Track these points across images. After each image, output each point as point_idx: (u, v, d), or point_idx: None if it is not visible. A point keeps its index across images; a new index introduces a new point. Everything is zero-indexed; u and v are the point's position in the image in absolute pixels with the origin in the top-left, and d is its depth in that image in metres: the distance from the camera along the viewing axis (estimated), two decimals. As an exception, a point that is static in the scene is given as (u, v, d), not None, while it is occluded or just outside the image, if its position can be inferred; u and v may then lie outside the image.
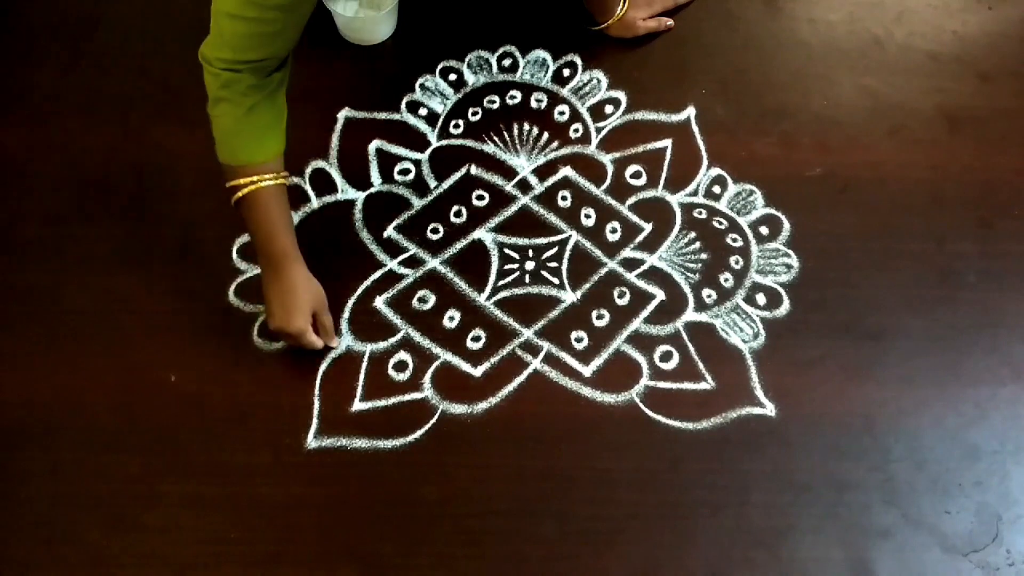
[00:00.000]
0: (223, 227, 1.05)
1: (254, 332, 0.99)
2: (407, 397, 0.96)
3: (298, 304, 0.93)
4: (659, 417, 0.95)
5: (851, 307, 1.01)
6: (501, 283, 1.02)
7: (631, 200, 1.08)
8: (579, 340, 0.99)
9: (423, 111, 1.13)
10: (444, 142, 1.11)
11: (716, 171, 1.09)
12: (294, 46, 0.89)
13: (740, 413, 0.95)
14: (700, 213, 1.07)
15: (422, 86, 1.15)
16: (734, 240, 1.05)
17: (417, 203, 1.07)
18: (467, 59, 1.17)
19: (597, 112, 1.13)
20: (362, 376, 0.97)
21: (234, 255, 1.03)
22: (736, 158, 1.10)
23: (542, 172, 1.09)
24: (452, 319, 1.00)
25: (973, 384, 0.97)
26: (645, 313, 1.00)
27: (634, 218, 1.06)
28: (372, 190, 1.08)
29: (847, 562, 0.88)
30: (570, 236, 1.05)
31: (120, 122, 1.13)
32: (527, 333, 0.99)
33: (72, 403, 0.95)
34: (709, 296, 1.01)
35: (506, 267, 1.03)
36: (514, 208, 1.07)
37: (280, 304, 0.92)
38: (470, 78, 1.16)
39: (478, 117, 1.13)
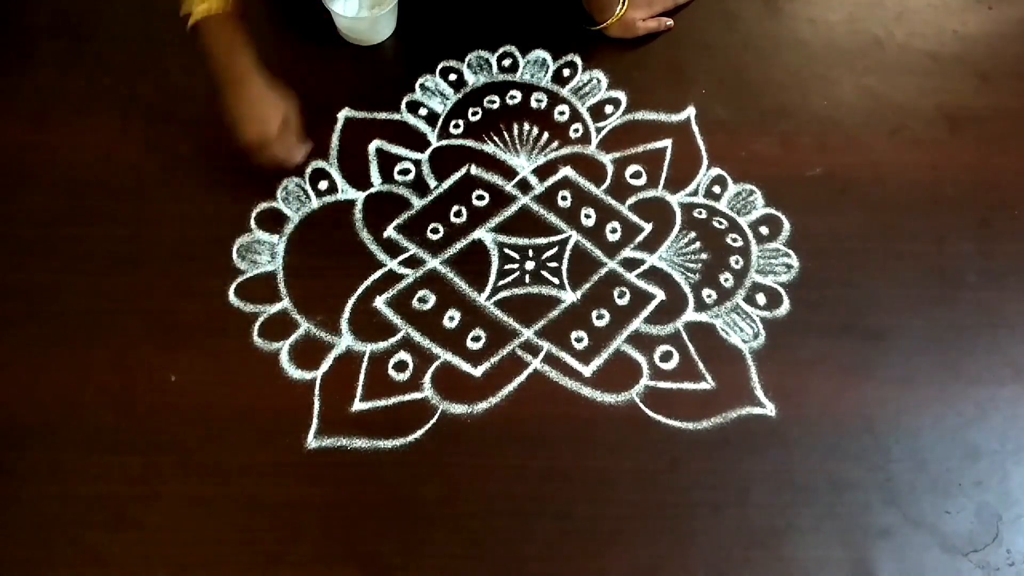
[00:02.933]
0: (223, 227, 1.05)
1: (254, 332, 0.99)
2: (407, 397, 0.96)
3: (268, 108, 0.95)
4: (659, 417, 0.95)
5: (851, 307, 1.01)
6: (501, 283, 1.02)
7: (631, 200, 1.08)
8: (579, 340, 0.99)
9: (423, 111, 1.13)
10: (444, 142, 1.11)
11: (716, 171, 1.09)
12: None
13: (740, 413, 0.95)
14: (700, 213, 1.07)
15: (422, 86, 1.15)
16: (734, 240, 1.05)
17: (417, 203, 1.07)
18: (467, 59, 1.17)
19: (597, 112, 1.13)
20: (362, 376, 0.97)
21: (234, 255, 1.03)
22: (736, 158, 1.10)
23: (542, 172, 1.09)
24: (452, 319, 1.00)
25: (973, 384, 0.97)
26: (645, 313, 1.00)
27: (634, 218, 1.06)
28: (372, 190, 1.08)
29: (847, 562, 0.88)
30: (570, 236, 1.05)
31: (120, 122, 1.13)
32: (527, 333, 0.99)
33: (72, 403, 0.95)
34: (709, 296, 1.01)
35: (506, 267, 1.03)
36: (514, 208, 1.07)
37: (249, 110, 0.94)
38: (470, 78, 1.16)
39: (478, 117, 1.13)
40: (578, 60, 1.17)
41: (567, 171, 1.09)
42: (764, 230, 1.06)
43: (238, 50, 0.95)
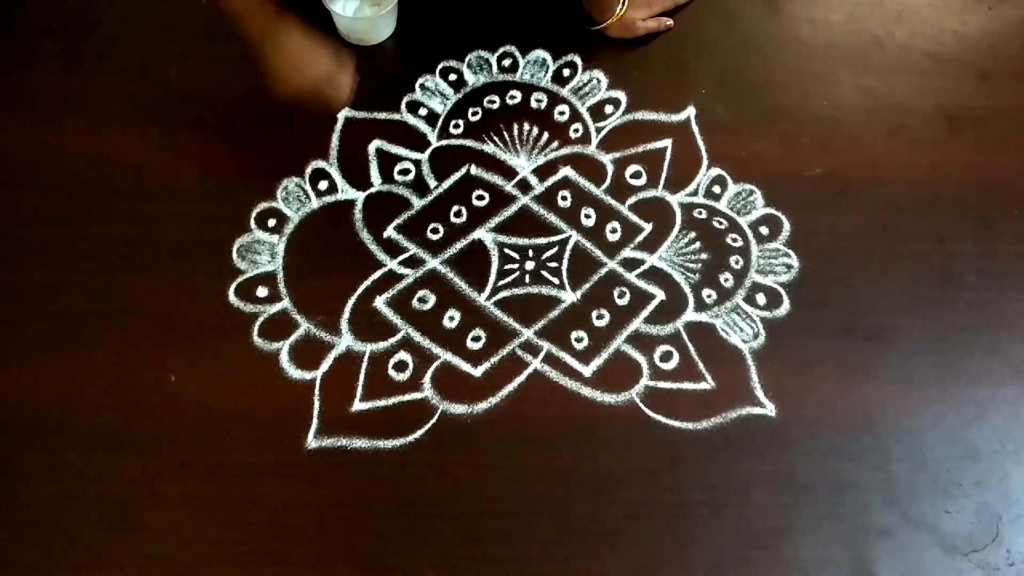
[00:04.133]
0: (223, 227, 1.05)
1: (254, 332, 0.99)
2: (407, 397, 0.96)
3: (312, 53, 0.92)
4: (659, 417, 0.95)
5: (851, 307, 1.01)
6: (501, 283, 1.02)
7: (631, 200, 1.08)
8: (579, 340, 0.99)
9: (423, 111, 1.13)
10: (444, 142, 1.11)
11: (716, 171, 1.09)
12: None
13: (740, 413, 0.95)
14: (700, 213, 1.07)
15: (422, 86, 1.15)
16: (734, 240, 1.05)
17: (417, 203, 1.07)
18: (467, 59, 1.17)
19: (597, 112, 1.13)
20: (362, 376, 0.97)
21: (234, 255, 1.03)
22: (736, 158, 1.10)
23: (542, 172, 1.09)
24: (452, 319, 1.00)
25: (973, 384, 0.97)
26: (645, 313, 1.00)
27: (634, 218, 1.06)
28: (372, 190, 1.08)
29: (847, 562, 0.88)
30: (570, 236, 1.05)
31: (120, 122, 1.12)
32: (527, 333, 0.99)
33: (72, 403, 0.95)
34: (709, 296, 1.01)
35: (506, 267, 1.03)
36: (514, 208, 1.07)
37: (291, 56, 0.91)
38: (470, 78, 1.16)
39: (478, 117, 1.13)
40: (578, 60, 1.17)
41: (567, 171, 1.09)
42: (764, 230, 1.06)
43: (266, 5, 0.91)
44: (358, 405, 0.95)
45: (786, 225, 1.06)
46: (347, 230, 1.05)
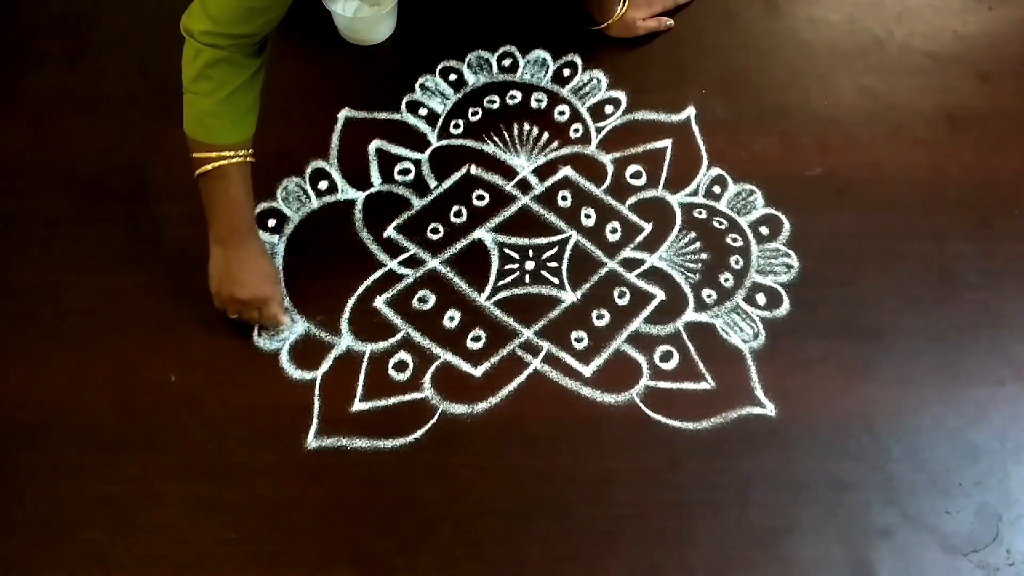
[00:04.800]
0: (223, 227, 1.04)
1: (254, 332, 0.99)
2: (407, 397, 0.96)
3: (269, 272, 0.94)
4: (659, 417, 0.95)
5: (851, 307, 1.01)
6: (501, 283, 1.02)
7: (631, 200, 1.08)
8: (579, 340, 0.99)
9: (423, 111, 1.13)
10: (444, 142, 1.11)
11: (716, 171, 1.09)
12: (276, 24, 0.89)
13: (740, 413, 0.95)
14: (700, 213, 1.07)
15: (422, 86, 1.15)
16: (734, 240, 1.05)
17: (417, 203, 1.07)
18: (467, 59, 1.17)
19: (597, 112, 1.13)
20: (362, 376, 0.97)
21: (234, 255, 1.03)
22: (736, 158, 1.10)
23: (542, 172, 1.09)
24: (452, 319, 1.00)
25: (973, 384, 0.97)
26: (645, 313, 1.00)
27: (634, 218, 1.06)
28: (372, 190, 1.08)
29: (847, 562, 0.88)
30: (570, 236, 1.05)
31: (120, 122, 1.13)
32: (527, 333, 0.99)
33: (72, 403, 0.95)
34: (709, 296, 1.01)
35: (506, 267, 1.03)
36: (514, 208, 1.07)
37: (250, 272, 0.93)
38: (470, 78, 1.16)
39: (478, 117, 1.13)
40: (578, 60, 1.17)
41: (567, 171, 1.09)
42: (764, 230, 1.06)
43: (247, 206, 0.92)
44: (358, 405, 0.95)
45: (786, 225, 1.06)
46: (347, 230, 1.05)
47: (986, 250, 1.05)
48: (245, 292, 0.93)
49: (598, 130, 1.12)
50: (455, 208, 1.07)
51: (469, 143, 1.11)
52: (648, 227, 1.06)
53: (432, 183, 1.08)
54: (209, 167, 0.89)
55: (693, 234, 1.05)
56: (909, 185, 1.09)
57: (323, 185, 1.08)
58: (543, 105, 1.14)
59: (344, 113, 1.12)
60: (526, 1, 1.22)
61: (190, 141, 0.90)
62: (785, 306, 1.01)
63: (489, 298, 1.01)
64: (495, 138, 1.11)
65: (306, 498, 0.91)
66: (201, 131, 0.89)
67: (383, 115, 1.13)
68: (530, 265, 1.03)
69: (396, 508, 0.90)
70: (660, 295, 1.01)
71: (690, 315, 1.00)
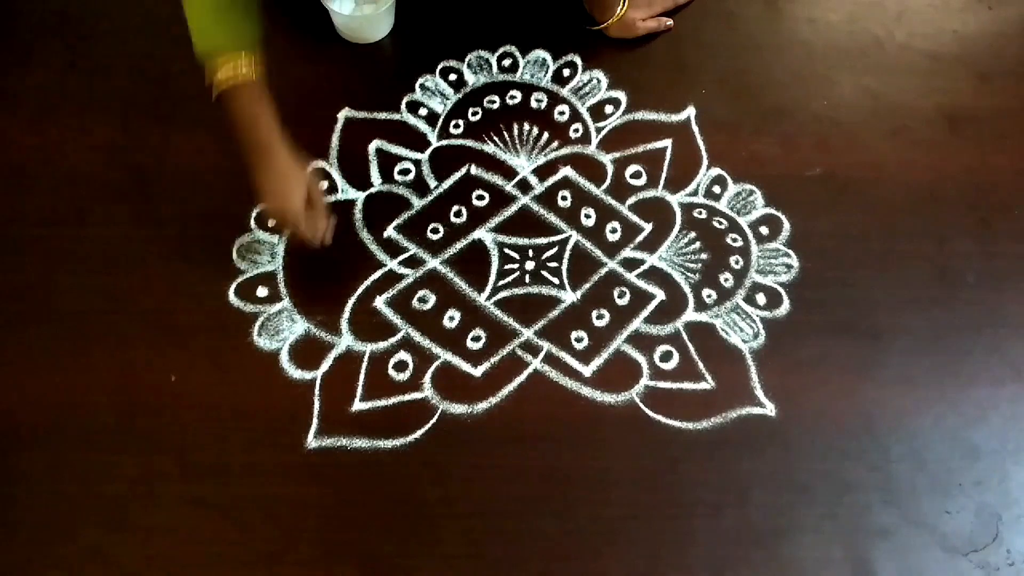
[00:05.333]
0: (223, 227, 1.05)
1: (254, 332, 0.99)
2: (407, 397, 0.96)
3: (294, 184, 0.94)
4: (659, 417, 0.95)
5: (851, 307, 1.01)
6: (501, 283, 1.02)
7: (631, 200, 1.08)
8: (579, 340, 0.99)
9: (423, 111, 1.13)
10: (444, 142, 1.11)
11: (716, 171, 1.09)
12: None
13: (740, 413, 0.95)
14: (700, 213, 1.07)
15: (422, 86, 1.15)
16: (734, 240, 1.05)
17: (417, 203, 1.07)
18: (467, 59, 1.17)
19: (597, 112, 1.13)
20: (362, 376, 0.97)
21: (234, 255, 1.03)
22: (736, 158, 1.10)
23: (542, 172, 1.09)
24: (452, 319, 1.00)
25: (973, 384, 0.97)
26: (645, 313, 1.00)
27: (634, 218, 1.06)
28: (372, 190, 1.08)
29: (847, 562, 0.88)
30: (570, 236, 1.05)
31: (120, 122, 1.12)
32: (527, 333, 0.99)
33: (72, 403, 0.95)
34: (709, 296, 1.01)
35: (506, 267, 1.03)
36: (514, 208, 1.07)
37: (276, 184, 0.94)
38: (470, 78, 1.16)
39: (478, 117, 1.13)
40: (578, 60, 1.17)
41: (567, 171, 1.09)
42: (764, 230, 1.06)
43: (264, 121, 0.93)
44: (358, 405, 0.95)
45: (786, 225, 1.06)
46: (347, 230, 1.05)
47: (986, 250, 1.05)
48: (275, 203, 0.95)
49: (598, 130, 1.12)
50: (455, 208, 1.07)
51: (469, 143, 1.11)
52: (648, 227, 1.06)
53: (432, 183, 1.08)
54: (219, 89, 0.90)
55: (693, 234, 1.05)
56: (909, 185, 1.09)
57: (323, 185, 1.08)
58: (543, 105, 1.14)
59: (344, 113, 1.12)
60: (526, 1, 1.22)
61: (202, 62, 0.91)
62: (785, 306, 1.01)
63: (489, 298, 1.01)
64: (495, 138, 1.11)
65: (306, 498, 0.91)
66: (207, 41, 0.90)
67: (383, 115, 1.13)
68: (530, 265, 1.03)
69: (396, 508, 0.90)
70: (660, 295, 1.01)
71: (690, 315, 1.00)
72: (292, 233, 0.99)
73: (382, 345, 0.98)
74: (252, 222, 1.05)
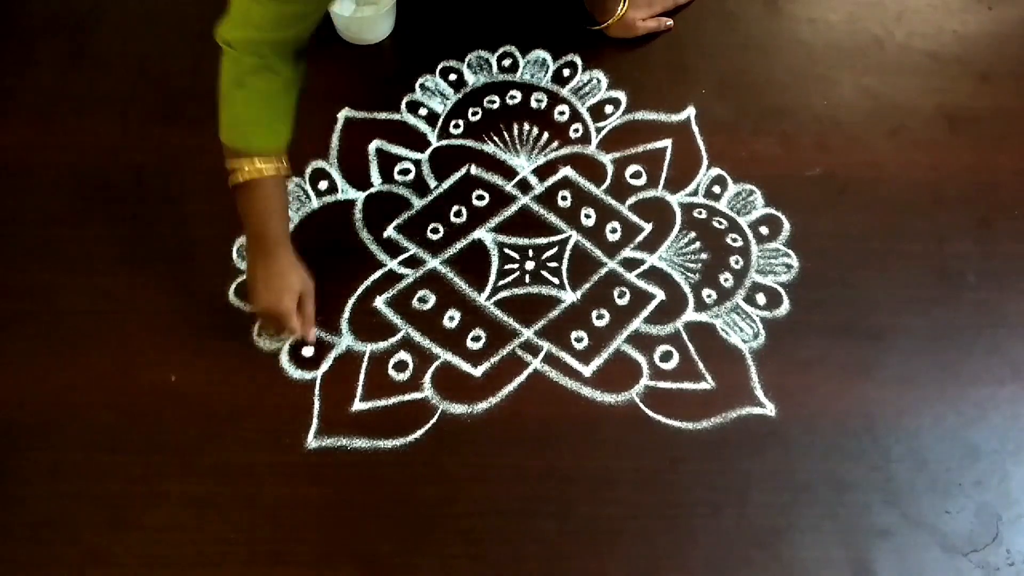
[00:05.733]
0: (223, 227, 1.04)
1: (254, 332, 0.99)
2: (407, 397, 0.96)
3: (287, 285, 0.93)
4: (659, 417, 0.95)
5: (851, 307, 1.01)
6: (501, 283, 1.02)
7: (631, 200, 1.08)
8: (579, 340, 0.99)
9: (423, 111, 1.13)
10: (444, 142, 1.11)
11: (716, 171, 1.09)
12: (314, 28, 0.90)
13: (740, 413, 0.95)
14: (700, 213, 1.07)
15: (422, 86, 1.15)
16: (734, 240, 1.05)
17: (417, 203, 1.07)
18: (467, 59, 1.17)
19: (597, 112, 1.13)
20: (362, 376, 0.97)
21: (234, 255, 1.03)
22: (736, 158, 1.10)
23: (542, 172, 1.09)
24: (452, 319, 1.00)
25: (973, 384, 0.97)
26: (645, 313, 1.00)
27: (634, 218, 1.06)
28: (372, 190, 1.08)
29: (847, 562, 0.88)
30: (570, 236, 1.05)
31: (120, 122, 1.13)
32: (527, 333, 0.99)
33: (72, 403, 0.95)
34: (709, 296, 1.01)
35: (506, 267, 1.03)
36: (514, 208, 1.07)
37: (268, 285, 0.93)
38: (470, 78, 1.16)
39: (478, 117, 1.13)
40: (578, 60, 1.17)
41: (567, 171, 1.09)
42: (764, 230, 1.06)
43: (277, 218, 0.93)
44: (358, 405, 0.95)
45: (786, 225, 1.06)
46: (347, 230, 1.05)
47: (986, 250, 1.05)
48: (258, 304, 0.94)
49: (598, 130, 1.12)
50: (455, 208, 1.07)
51: (469, 143, 1.11)
52: (648, 227, 1.06)
53: (432, 183, 1.08)
54: (241, 179, 0.89)
55: (693, 234, 1.05)
56: (909, 185, 1.09)
57: (323, 185, 1.08)
58: (543, 105, 1.14)
59: (344, 113, 1.12)
60: (526, 1, 1.22)
61: (225, 150, 0.90)
62: (785, 306, 1.01)
63: (489, 298, 1.01)
64: (495, 138, 1.11)
65: (306, 498, 0.91)
66: (238, 138, 0.89)
67: (383, 115, 1.13)
68: (530, 265, 1.03)
69: (396, 508, 0.90)
70: (660, 295, 1.01)
71: (690, 315, 1.00)
72: (273, 328, 0.97)
73: (382, 345, 0.98)
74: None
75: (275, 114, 0.89)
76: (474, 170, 1.09)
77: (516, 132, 1.12)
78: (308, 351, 0.97)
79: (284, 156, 0.91)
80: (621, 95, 1.14)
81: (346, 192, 1.08)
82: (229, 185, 0.90)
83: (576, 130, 1.12)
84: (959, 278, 1.03)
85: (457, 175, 1.09)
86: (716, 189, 1.08)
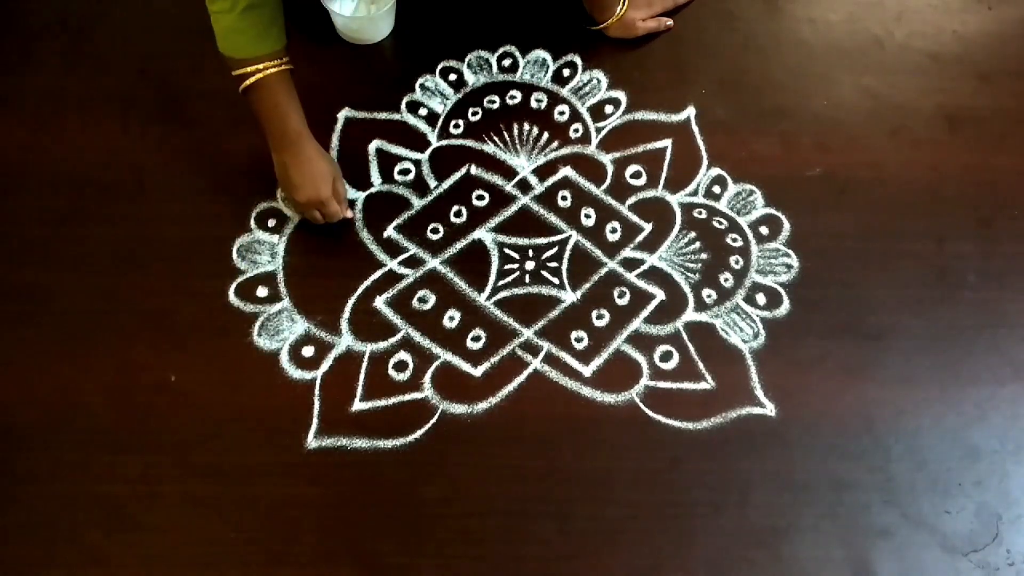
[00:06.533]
0: (223, 227, 1.05)
1: (254, 332, 0.99)
2: (407, 397, 0.96)
3: (319, 172, 0.98)
4: (659, 417, 0.95)
5: (851, 307, 1.01)
6: (501, 283, 1.02)
7: (631, 200, 1.08)
8: (579, 340, 0.99)
9: (423, 111, 1.13)
10: (444, 142, 1.11)
11: (716, 171, 1.09)
12: None
13: (740, 413, 0.95)
14: (700, 213, 1.07)
15: (422, 86, 1.15)
16: (734, 240, 1.05)
17: (417, 203, 1.07)
18: (467, 59, 1.17)
19: (597, 112, 1.13)
20: (362, 376, 0.97)
21: (234, 255, 1.03)
22: (736, 158, 1.10)
23: (542, 172, 1.09)
24: (452, 319, 1.00)
25: (973, 384, 0.97)
26: (645, 313, 1.00)
27: (634, 218, 1.06)
28: (372, 190, 1.08)
29: (847, 562, 0.88)
30: (570, 236, 1.05)
31: (120, 122, 1.13)
32: (527, 333, 0.99)
33: (72, 403, 0.95)
34: (709, 296, 1.01)
35: (506, 267, 1.03)
36: (514, 208, 1.07)
37: (304, 176, 0.97)
38: (470, 78, 1.16)
39: (478, 117, 1.13)
40: (578, 60, 1.17)
41: (567, 171, 1.09)
42: (764, 230, 1.06)
43: (293, 112, 0.96)
44: (358, 405, 0.95)
45: (786, 225, 1.06)
46: (347, 230, 1.05)
47: (986, 250, 1.05)
48: (301, 195, 0.98)
49: (598, 130, 1.12)
50: (455, 208, 1.07)
51: (469, 143, 1.11)
52: (648, 227, 1.06)
53: (432, 183, 1.08)
54: (246, 82, 0.92)
55: (693, 234, 1.05)
56: (909, 185, 1.09)
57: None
58: (543, 105, 1.14)
59: (344, 113, 1.12)
60: (526, 1, 1.22)
61: (226, 59, 0.93)
62: (785, 306, 1.01)
63: (489, 298, 1.01)
64: (495, 138, 1.11)
65: (306, 498, 0.91)
66: (229, 47, 0.92)
67: (383, 115, 1.13)
68: (530, 265, 1.03)
69: (396, 508, 0.90)
70: (660, 295, 1.01)
71: (690, 315, 1.00)
72: (314, 216, 1.01)
73: (382, 345, 0.98)
74: (252, 222, 1.05)
75: (260, 20, 0.91)
76: (474, 170, 1.09)
77: (516, 132, 1.12)
78: (308, 351, 0.97)
79: (283, 53, 0.94)
80: (621, 95, 1.14)
81: (346, 192, 1.08)
82: (239, 91, 0.93)
83: (576, 130, 1.12)
84: (959, 278, 1.03)
85: (457, 175, 1.09)
86: (716, 189, 1.08)
